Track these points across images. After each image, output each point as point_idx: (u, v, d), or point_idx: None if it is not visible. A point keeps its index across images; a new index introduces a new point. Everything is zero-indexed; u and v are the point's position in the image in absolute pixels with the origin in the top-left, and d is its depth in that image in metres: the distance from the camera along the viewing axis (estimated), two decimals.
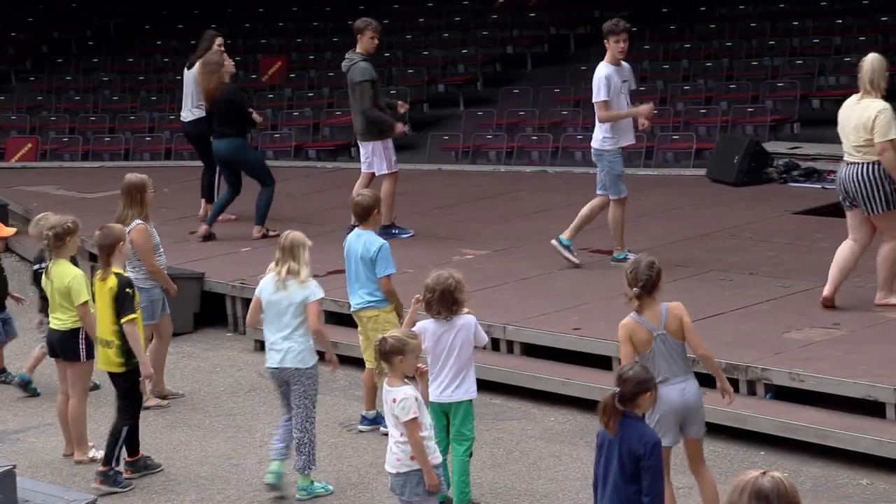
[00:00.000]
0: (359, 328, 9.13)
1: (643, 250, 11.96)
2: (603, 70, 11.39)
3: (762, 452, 8.38)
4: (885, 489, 7.80)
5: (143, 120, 20.33)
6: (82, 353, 8.90)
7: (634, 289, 7.03)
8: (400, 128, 12.99)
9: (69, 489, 8.06)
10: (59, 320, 8.96)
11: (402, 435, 6.87)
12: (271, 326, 8.29)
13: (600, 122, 11.41)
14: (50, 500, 7.30)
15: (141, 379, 8.72)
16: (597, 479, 6.17)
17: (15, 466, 7.27)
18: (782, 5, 19.03)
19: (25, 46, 23.70)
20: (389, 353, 6.84)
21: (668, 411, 6.92)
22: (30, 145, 20.23)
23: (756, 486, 4.09)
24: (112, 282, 8.49)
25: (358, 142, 13.15)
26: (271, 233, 13.28)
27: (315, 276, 11.70)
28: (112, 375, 8.68)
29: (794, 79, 16.84)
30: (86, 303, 8.83)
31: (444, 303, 7.66)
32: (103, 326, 8.58)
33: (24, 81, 22.70)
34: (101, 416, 9.78)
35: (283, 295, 8.21)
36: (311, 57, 21.35)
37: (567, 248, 11.59)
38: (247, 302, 11.84)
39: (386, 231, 12.46)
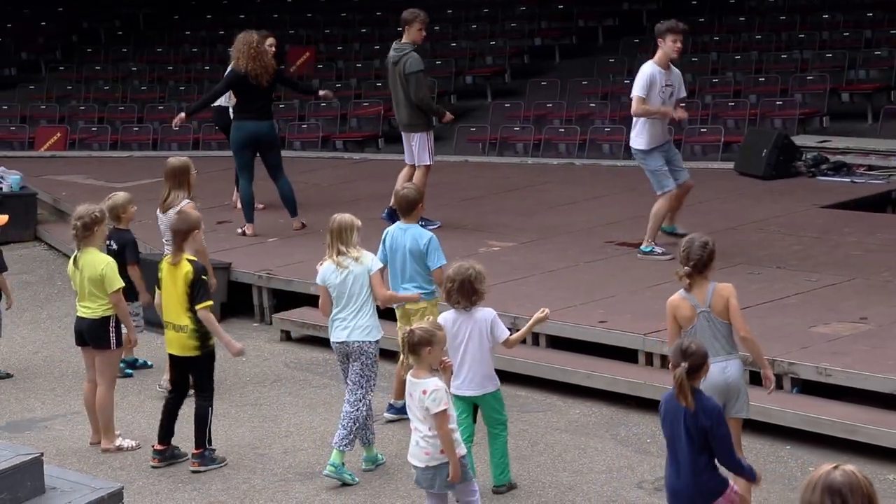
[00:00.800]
0: (399, 322, 9.13)
1: (668, 244, 11.95)
2: (648, 69, 11.34)
3: (788, 447, 8.36)
4: None
5: (171, 110, 20.35)
6: (112, 341, 8.96)
7: (685, 267, 7.09)
8: (448, 116, 13.23)
9: (96, 477, 8.08)
10: (89, 308, 9.01)
11: (430, 429, 6.88)
12: (340, 306, 8.35)
13: (633, 115, 11.36)
14: (77, 487, 7.33)
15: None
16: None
17: (42, 454, 7.31)
18: None
19: (55, 36, 23.82)
20: (418, 345, 6.85)
21: (708, 390, 6.90)
22: (59, 135, 20.34)
23: (828, 481, 4.08)
24: (187, 268, 8.53)
25: (401, 132, 13.17)
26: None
27: None
28: (184, 360, 8.67)
29: (823, 72, 16.76)
30: (119, 290, 8.90)
31: (464, 293, 7.69)
32: (175, 310, 8.60)
33: (53, 71, 22.81)
34: (128, 404, 9.84)
35: (345, 274, 8.31)
36: (339, 48, 21.37)
37: (671, 233, 11.69)
38: (273, 292, 11.89)
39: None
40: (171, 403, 8.77)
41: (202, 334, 8.56)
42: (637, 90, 11.29)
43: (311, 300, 11.51)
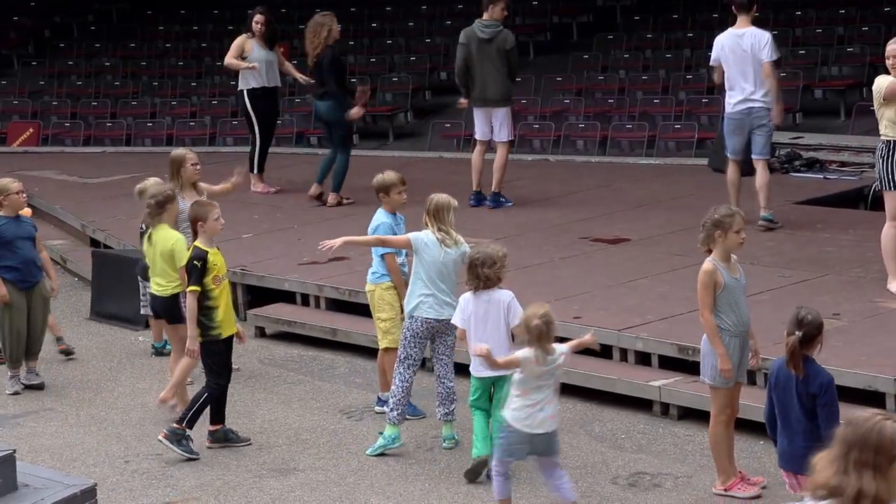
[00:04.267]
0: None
1: (645, 238, 11.99)
2: (769, 33, 11.97)
3: (762, 442, 8.38)
4: None
5: (144, 105, 20.32)
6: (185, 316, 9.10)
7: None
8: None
9: (69, 474, 8.06)
10: (160, 286, 9.38)
11: (554, 392, 7.29)
12: (436, 281, 8.45)
13: (769, 78, 11.81)
14: (49, 484, 7.30)
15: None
16: (773, 417, 6.66)
17: (15, 451, 7.28)
18: None
19: (27, 31, 23.68)
20: (549, 331, 7.21)
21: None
22: (31, 130, 20.22)
23: (852, 421, 4.22)
24: (189, 253, 8.82)
25: (481, 108, 13.47)
26: (346, 201, 13.92)
27: (316, 263, 11.80)
28: None
29: (796, 69, 16.81)
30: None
31: (471, 275, 7.95)
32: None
33: (26, 66, 22.68)
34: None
35: (448, 255, 8.46)
36: None
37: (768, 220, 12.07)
38: (248, 288, 11.84)
39: (495, 199, 13.42)
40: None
41: (200, 322, 8.70)
42: (775, 55, 11.88)
43: (285, 296, 11.50)
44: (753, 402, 8.53)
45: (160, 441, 8.68)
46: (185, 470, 8.55)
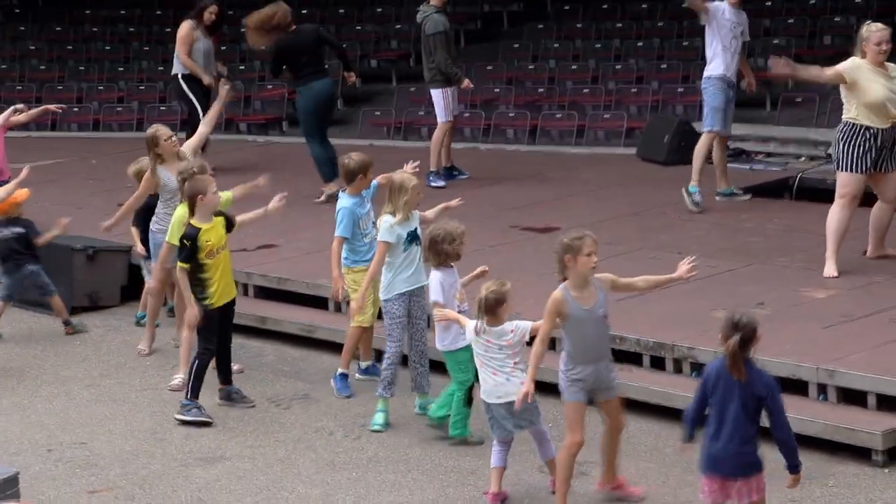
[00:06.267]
0: None
1: (575, 227, 12.01)
2: (723, 5, 12.27)
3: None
4: (807, 467, 7.89)
5: (70, 90, 20.06)
6: None
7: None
8: (467, 83, 13.81)
9: None
10: None
11: (516, 364, 7.46)
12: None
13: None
14: None
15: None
16: (697, 416, 6.56)
17: None
18: None
19: None
20: (495, 305, 7.38)
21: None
22: None
23: None
24: (183, 230, 8.97)
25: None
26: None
27: (244, 251, 11.73)
28: None
29: None
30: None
31: (432, 252, 8.30)
32: None
33: None
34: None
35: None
36: (243, 30, 21.12)
37: (730, 195, 12.58)
38: None
39: (427, 177, 13.47)
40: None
41: (195, 291, 8.86)
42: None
43: None
44: (681, 391, 8.60)
45: (175, 418, 8.90)
46: (109, 458, 8.47)
